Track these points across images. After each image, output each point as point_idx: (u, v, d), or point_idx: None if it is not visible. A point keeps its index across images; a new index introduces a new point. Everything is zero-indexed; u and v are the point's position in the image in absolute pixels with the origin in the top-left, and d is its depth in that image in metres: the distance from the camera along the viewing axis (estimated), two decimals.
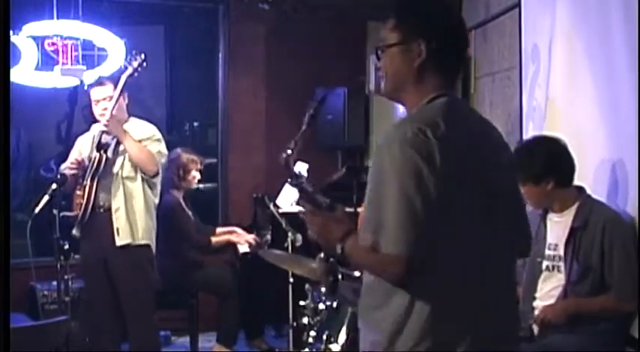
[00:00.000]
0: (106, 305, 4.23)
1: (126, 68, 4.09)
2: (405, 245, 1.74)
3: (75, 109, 4.47)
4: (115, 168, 4.15)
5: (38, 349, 3.05)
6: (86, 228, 4.13)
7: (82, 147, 4.29)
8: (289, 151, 2.05)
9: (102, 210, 4.15)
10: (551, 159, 3.11)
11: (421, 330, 1.80)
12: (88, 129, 4.36)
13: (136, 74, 4.07)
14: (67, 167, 4.12)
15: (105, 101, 4.15)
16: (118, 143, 4.16)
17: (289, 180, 2.03)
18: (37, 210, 3.75)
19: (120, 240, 4.13)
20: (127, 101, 4.25)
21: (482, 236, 1.86)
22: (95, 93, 4.19)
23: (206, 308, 5.16)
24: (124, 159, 4.16)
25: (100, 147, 4.13)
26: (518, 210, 2.04)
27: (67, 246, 3.70)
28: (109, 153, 4.14)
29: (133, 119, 4.32)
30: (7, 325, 2.40)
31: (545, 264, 3.17)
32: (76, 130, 4.48)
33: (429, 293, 1.80)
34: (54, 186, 3.83)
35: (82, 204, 4.10)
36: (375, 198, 1.81)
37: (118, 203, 4.14)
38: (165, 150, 4.31)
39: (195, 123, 7.02)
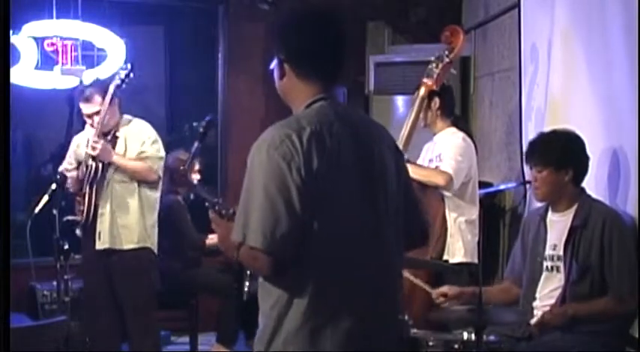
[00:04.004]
0: (106, 306, 4.22)
1: (113, 78, 4.04)
2: (264, 240, 1.88)
3: (75, 109, 4.45)
4: (109, 174, 4.12)
5: (38, 349, 3.05)
6: (88, 230, 4.14)
7: (78, 148, 4.26)
8: (184, 167, 2.23)
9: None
10: (573, 148, 3.13)
11: (298, 321, 1.91)
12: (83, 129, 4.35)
13: (124, 85, 4.02)
14: (65, 168, 4.11)
15: (96, 115, 4.08)
16: None
17: (190, 192, 2.18)
18: (37, 210, 3.76)
19: (100, 245, 4.10)
20: (116, 100, 4.11)
21: (362, 225, 1.98)
22: (84, 109, 4.13)
23: (206, 308, 5.16)
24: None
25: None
26: (409, 201, 2.12)
27: (67, 246, 3.71)
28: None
29: (125, 118, 4.25)
30: (7, 325, 2.41)
31: (545, 264, 3.16)
32: (76, 130, 4.46)
33: (306, 286, 1.91)
34: (54, 186, 3.83)
35: (83, 211, 4.10)
36: (244, 197, 1.96)
37: (103, 208, 4.11)
38: (162, 153, 4.25)
39: (195, 124, 7.00)
